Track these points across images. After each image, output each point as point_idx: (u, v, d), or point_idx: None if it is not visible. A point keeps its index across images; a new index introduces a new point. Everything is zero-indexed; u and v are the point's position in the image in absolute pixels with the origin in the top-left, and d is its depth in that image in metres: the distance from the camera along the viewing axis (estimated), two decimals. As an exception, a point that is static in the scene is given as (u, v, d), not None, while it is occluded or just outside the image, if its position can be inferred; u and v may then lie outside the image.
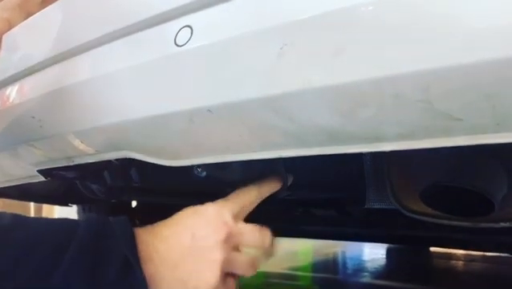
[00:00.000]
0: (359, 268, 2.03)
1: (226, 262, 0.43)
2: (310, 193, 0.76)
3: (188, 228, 0.42)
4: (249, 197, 0.48)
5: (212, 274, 0.41)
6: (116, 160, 0.54)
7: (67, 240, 0.36)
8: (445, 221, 0.63)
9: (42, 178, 0.65)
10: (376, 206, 0.74)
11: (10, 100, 0.54)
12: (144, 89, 0.40)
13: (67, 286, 0.35)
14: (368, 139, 0.35)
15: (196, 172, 0.52)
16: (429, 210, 0.64)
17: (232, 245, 0.44)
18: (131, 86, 0.41)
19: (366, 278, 1.70)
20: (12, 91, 0.54)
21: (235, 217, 0.45)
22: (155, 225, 0.46)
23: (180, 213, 0.46)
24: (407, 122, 0.32)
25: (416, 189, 0.66)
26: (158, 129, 0.42)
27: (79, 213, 1.48)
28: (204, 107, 0.37)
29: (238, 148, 0.41)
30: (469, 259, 2.25)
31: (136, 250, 0.39)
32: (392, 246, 2.95)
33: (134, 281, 0.37)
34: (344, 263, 2.26)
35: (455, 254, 2.48)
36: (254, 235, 0.45)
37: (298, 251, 2.75)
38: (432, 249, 2.78)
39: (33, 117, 0.50)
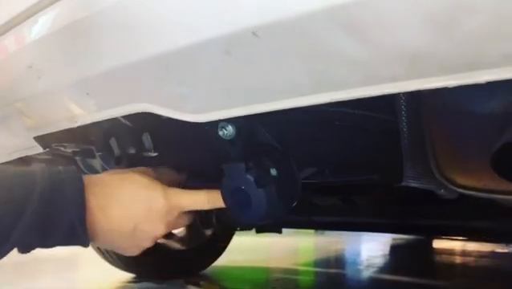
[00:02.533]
0: (362, 263, 2.03)
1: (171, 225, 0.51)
2: (345, 175, 0.69)
3: (134, 217, 0.47)
4: (198, 203, 0.51)
5: (156, 236, 0.50)
6: (128, 120, 0.46)
7: (22, 203, 0.40)
8: (499, 196, 0.55)
9: (39, 149, 0.57)
10: (413, 184, 0.66)
11: (3, 49, 0.46)
12: (165, 15, 0.32)
13: (25, 243, 0.42)
14: (462, 65, 0.27)
15: (222, 132, 0.44)
16: (481, 184, 0.57)
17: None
18: (149, 12, 0.33)
19: (369, 273, 1.69)
20: (5, 39, 0.46)
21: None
22: (108, 181, 0.48)
23: (135, 180, 0.48)
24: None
25: (467, 159, 0.58)
26: (184, 69, 0.34)
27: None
28: (247, 30, 0.29)
29: (284, 90, 0.33)
30: (470, 255, 2.30)
31: (83, 219, 0.43)
32: (395, 242, 2.97)
33: (79, 242, 0.45)
34: (347, 259, 2.30)
35: (457, 250, 2.54)
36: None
37: (299, 248, 2.72)
38: (435, 245, 2.82)
39: (30, 67, 0.42)
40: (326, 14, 0.26)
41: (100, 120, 0.44)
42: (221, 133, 0.44)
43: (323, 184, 0.84)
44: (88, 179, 0.44)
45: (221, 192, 0.47)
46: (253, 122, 0.44)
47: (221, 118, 0.37)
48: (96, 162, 0.67)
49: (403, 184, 0.64)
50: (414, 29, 0.25)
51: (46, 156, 0.65)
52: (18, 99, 0.47)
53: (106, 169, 0.66)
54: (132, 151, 0.53)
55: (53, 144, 0.58)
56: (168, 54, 0.33)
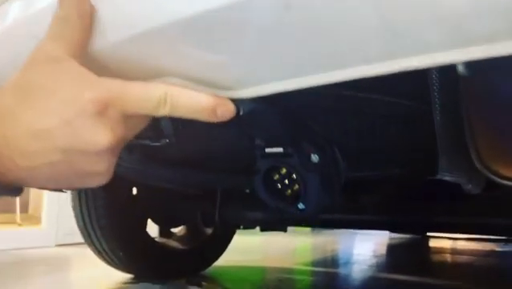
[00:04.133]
0: (360, 262, 2.04)
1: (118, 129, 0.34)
2: (374, 168, 0.64)
3: (52, 127, 0.32)
4: (152, 101, 0.33)
5: (101, 146, 0.33)
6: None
7: None
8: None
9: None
10: (447, 178, 0.62)
11: (6, 19, 0.40)
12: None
13: None
14: None
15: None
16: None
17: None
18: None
19: (367, 272, 1.71)
20: (8, 7, 0.41)
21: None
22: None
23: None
24: None
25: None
26: (229, 30, 0.29)
27: (73, 199, 1.33)
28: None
29: (353, 54, 0.28)
30: (467, 253, 2.33)
31: None
32: (392, 241, 2.99)
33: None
34: (346, 258, 2.28)
35: (453, 249, 2.58)
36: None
37: (297, 248, 2.71)
38: (432, 244, 2.85)
39: (35, 37, 0.36)
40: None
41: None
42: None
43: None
44: None
45: (255, 180, 0.42)
46: (290, 104, 0.39)
47: (268, 93, 0.32)
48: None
49: (437, 177, 0.60)
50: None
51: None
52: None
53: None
54: (148, 137, 0.47)
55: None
56: (210, 13, 0.28)
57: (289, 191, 0.39)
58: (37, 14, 0.38)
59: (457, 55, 0.25)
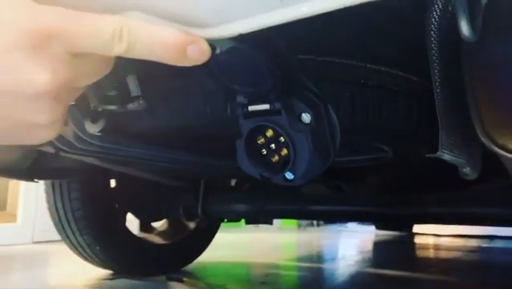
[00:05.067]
0: (346, 258, 2.03)
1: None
2: (373, 146, 0.59)
3: None
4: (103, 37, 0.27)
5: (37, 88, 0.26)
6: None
7: None
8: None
9: None
10: (446, 156, 0.57)
11: None
12: None
13: None
14: None
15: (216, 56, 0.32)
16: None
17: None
18: None
19: (354, 267, 1.71)
20: None
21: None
22: None
23: None
24: None
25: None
26: None
27: (47, 191, 1.26)
28: None
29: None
30: (451, 249, 2.38)
31: None
32: (378, 238, 3.01)
33: None
34: (332, 254, 2.29)
35: (438, 245, 2.63)
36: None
37: (282, 244, 2.70)
38: (417, 241, 2.89)
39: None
40: None
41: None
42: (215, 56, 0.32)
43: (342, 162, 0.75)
44: None
45: (237, 144, 0.36)
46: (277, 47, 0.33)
47: (249, 30, 0.26)
48: (67, 129, 0.55)
49: (437, 154, 0.55)
50: None
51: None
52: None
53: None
54: (112, 106, 0.41)
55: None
56: None
57: (276, 157, 0.33)
58: None
59: None
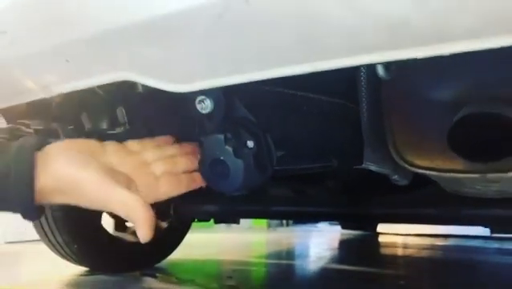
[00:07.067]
0: (313, 255, 2.14)
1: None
2: (308, 160, 0.72)
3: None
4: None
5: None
6: (103, 92, 0.46)
7: None
8: (449, 174, 0.61)
9: (3, 123, 0.55)
10: (372, 168, 0.71)
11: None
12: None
13: None
14: (431, 38, 0.31)
15: (200, 106, 0.45)
16: (434, 164, 0.62)
17: None
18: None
19: (319, 264, 1.79)
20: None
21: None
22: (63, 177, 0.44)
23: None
24: (484, 12, 0.28)
25: (422, 143, 0.63)
26: (172, 33, 0.35)
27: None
28: (241, -3, 0.30)
29: (271, 58, 0.35)
30: (412, 247, 2.50)
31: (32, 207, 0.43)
32: (343, 237, 3.12)
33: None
34: (298, 252, 2.37)
35: (400, 243, 2.75)
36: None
37: (252, 242, 2.79)
38: (381, 239, 3.01)
39: (5, 32, 0.41)
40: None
41: (77, 89, 0.43)
42: (199, 107, 0.45)
43: (282, 173, 0.87)
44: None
45: (200, 163, 0.48)
46: (231, 96, 0.46)
47: (205, 88, 0.39)
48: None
49: (363, 166, 0.69)
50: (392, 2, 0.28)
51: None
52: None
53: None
54: (104, 126, 0.52)
55: (17, 120, 0.56)
56: (157, 19, 0.34)
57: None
58: (6, 9, 0.42)
59: (353, 61, 0.33)
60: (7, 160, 0.41)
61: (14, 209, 0.43)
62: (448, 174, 0.61)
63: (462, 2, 0.28)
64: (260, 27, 0.32)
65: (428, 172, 0.62)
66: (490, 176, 0.57)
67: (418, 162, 0.63)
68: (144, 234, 0.44)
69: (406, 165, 0.63)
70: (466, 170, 0.58)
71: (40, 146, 0.43)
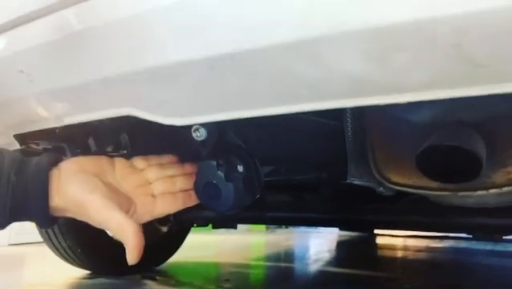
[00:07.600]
0: (311, 258, 2.15)
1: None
2: (298, 173, 0.77)
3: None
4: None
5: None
6: (110, 120, 0.51)
7: None
8: (424, 191, 0.66)
9: (16, 146, 0.60)
10: (356, 182, 0.76)
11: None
12: (161, 33, 0.38)
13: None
14: (391, 89, 0.36)
15: (195, 134, 0.51)
16: (411, 182, 0.67)
17: None
18: (143, 30, 0.39)
19: (317, 266, 1.80)
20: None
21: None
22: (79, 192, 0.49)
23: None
24: (435, 68, 0.33)
25: (400, 161, 0.69)
26: (170, 80, 0.41)
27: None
28: (227, 55, 0.36)
29: (254, 101, 0.40)
30: (409, 249, 2.52)
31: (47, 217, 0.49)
32: (341, 238, 3.16)
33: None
34: (296, 254, 2.40)
35: (398, 245, 2.77)
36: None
37: (251, 245, 2.82)
38: (378, 241, 3.04)
39: (21, 71, 0.46)
40: (293, 46, 0.34)
41: (86, 121, 0.49)
42: (194, 135, 0.51)
43: (278, 182, 0.93)
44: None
45: (194, 185, 0.54)
46: (222, 126, 0.51)
47: (197, 122, 0.44)
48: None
49: (347, 181, 0.74)
50: (357, 60, 0.34)
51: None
52: (10, 98, 0.51)
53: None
54: (109, 149, 0.58)
55: (29, 141, 0.61)
56: (157, 68, 0.40)
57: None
58: (26, 51, 0.47)
59: (320, 106, 0.38)
60: (26, 177, 0.47)
61: (31, 220, 0.50)
62: (423, 191, 0.66)
63: (417, 59, 0.33)
64: (243, 77, 0.38)
65: (404, 188, 0.67)
66: (461, 194, 0.62)
67: (396, 179, 0.68)
68: (132, 258, 0.51)
69: (385, 182, 0.68)
70: (439, 188, 0.64)
71: (55, 162, 0.50)
